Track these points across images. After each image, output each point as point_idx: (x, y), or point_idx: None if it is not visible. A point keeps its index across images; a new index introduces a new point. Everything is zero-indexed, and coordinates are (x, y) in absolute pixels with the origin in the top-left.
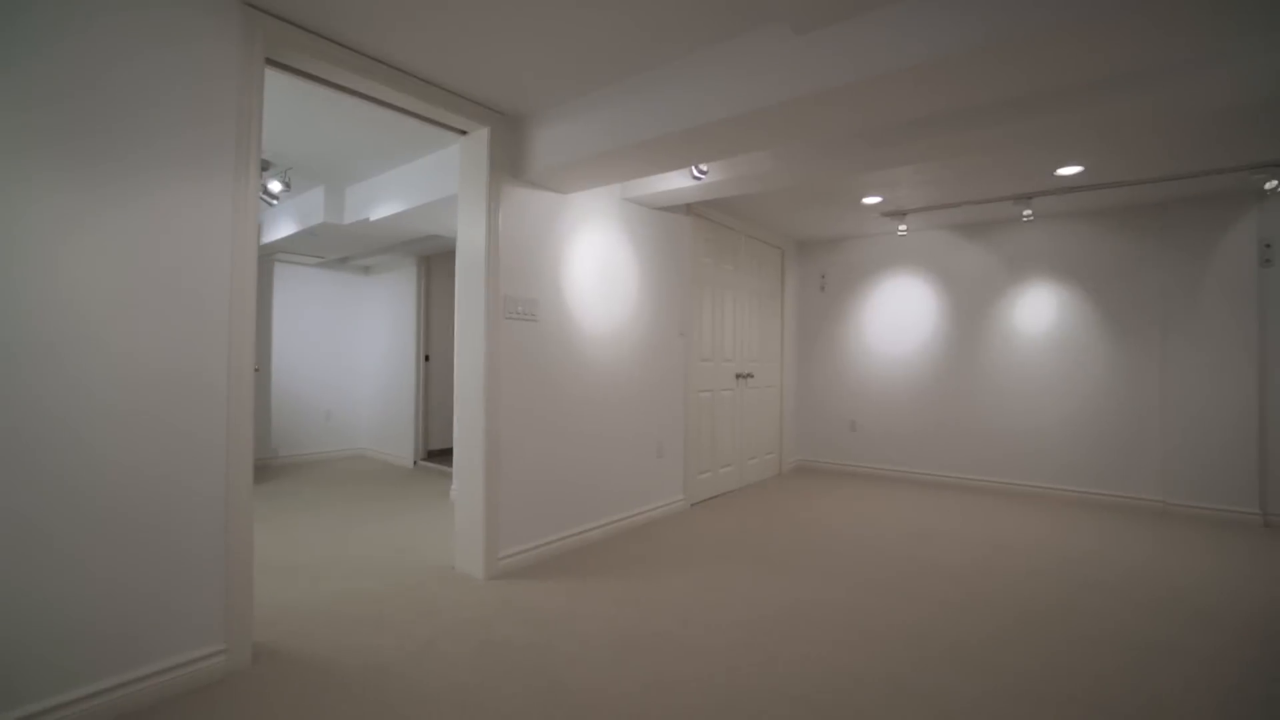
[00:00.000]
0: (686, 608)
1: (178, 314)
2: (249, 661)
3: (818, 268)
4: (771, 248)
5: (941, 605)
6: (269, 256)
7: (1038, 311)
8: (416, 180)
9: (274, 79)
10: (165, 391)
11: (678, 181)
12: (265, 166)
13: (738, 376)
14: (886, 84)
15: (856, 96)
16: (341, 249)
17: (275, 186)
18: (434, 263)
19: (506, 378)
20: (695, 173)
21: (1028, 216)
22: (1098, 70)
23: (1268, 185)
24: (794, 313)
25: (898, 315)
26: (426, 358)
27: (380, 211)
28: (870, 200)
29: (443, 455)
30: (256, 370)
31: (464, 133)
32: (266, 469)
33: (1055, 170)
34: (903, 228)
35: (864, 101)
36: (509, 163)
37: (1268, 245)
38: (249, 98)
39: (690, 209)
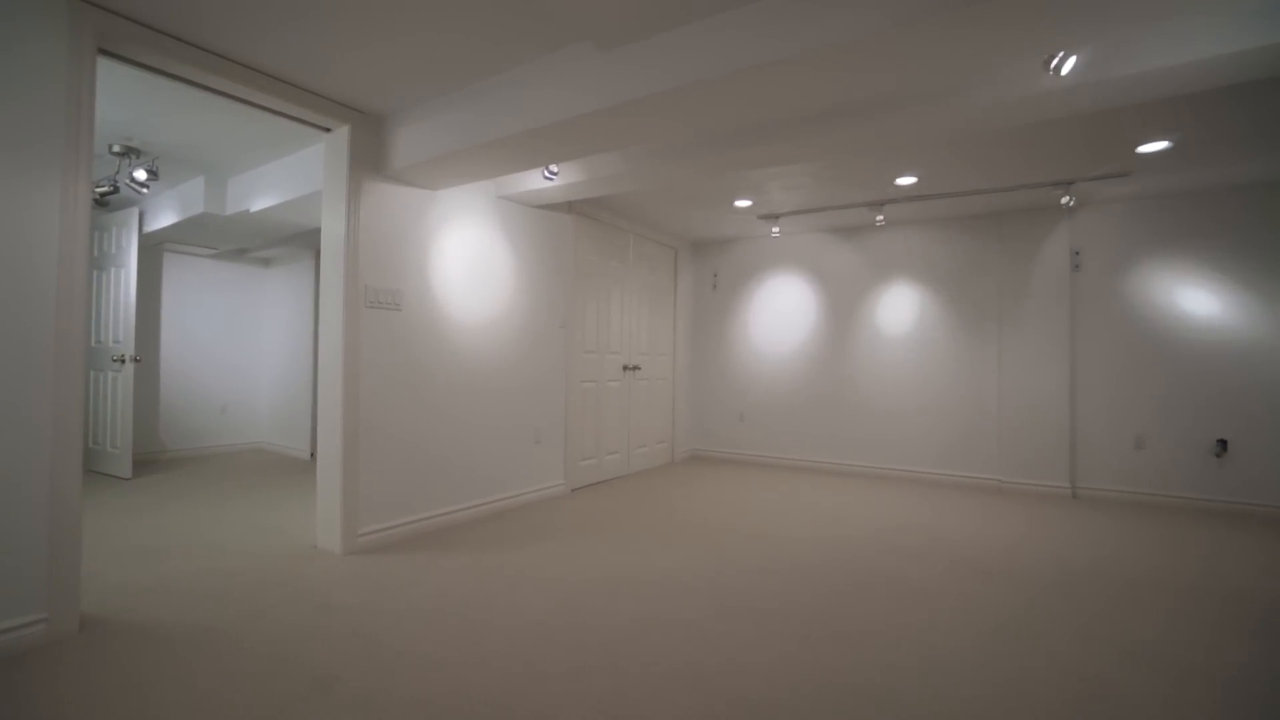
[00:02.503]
0: (523, 574)
1: None
2: (75, 630)
3: (710, 267)
4: (665, 247)
5: (758, 569)
6: (156, 246)
7: (899, 311)
8: (294, 173)
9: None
10: None
11: (538, 181)
12: (136, 154)
13: (625, 368)
14: (679, 96)
15: (657, 107)
16: (232, 240)
17: (141, 175)
18: None
19: (369, 365)
20: (546, 173)
21: (880, 222)
22: (882, 85)
23: (1063, 200)
24: (688, 309)
25: (781, 313)
26: None
27: (260, 203)
28: (741, 204)
29: None
30: (137, 360)
31: (328, 130)
32: (154, 463)
33: (895, 180)
34: (776, 230)
35: (667, 111)
36: (371, 159)
37: (1077, 253)
38: (78, 88)
39: (572, 207)
